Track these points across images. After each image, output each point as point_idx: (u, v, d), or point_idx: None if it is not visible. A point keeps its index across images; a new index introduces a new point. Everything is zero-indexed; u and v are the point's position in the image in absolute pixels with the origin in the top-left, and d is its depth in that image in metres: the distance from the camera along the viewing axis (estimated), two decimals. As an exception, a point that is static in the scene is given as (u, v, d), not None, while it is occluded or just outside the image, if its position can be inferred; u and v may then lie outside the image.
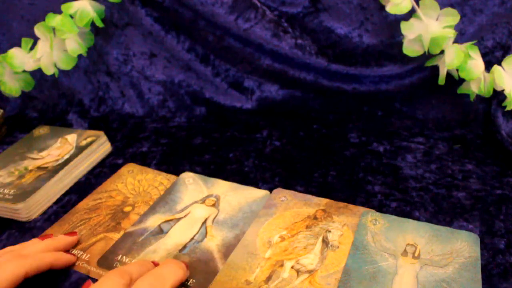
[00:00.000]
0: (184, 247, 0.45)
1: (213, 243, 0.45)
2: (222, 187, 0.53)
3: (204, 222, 0.48)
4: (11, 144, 0.64)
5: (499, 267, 0.41)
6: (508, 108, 0.57)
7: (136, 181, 0.54)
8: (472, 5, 0.61)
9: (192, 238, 0.46)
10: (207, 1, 0.65)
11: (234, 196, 0.52)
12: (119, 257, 0.43)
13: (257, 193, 0.52)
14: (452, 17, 0.56)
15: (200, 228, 0.47)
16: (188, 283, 0.40)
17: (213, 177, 0.55)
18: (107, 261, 0.43)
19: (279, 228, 0.46)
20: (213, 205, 0.50)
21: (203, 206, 0.50)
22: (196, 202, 0.51)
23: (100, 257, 0.44)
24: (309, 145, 0.62)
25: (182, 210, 0.50)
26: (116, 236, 0.46)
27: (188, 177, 0.55)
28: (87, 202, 0.52)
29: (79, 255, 0.44)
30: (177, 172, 0.56)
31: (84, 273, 0.42)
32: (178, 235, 0.46)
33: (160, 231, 0.47)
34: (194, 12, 0.67)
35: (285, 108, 0.71)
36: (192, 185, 0.54)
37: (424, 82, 0.65)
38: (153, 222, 0.48)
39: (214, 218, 0.48)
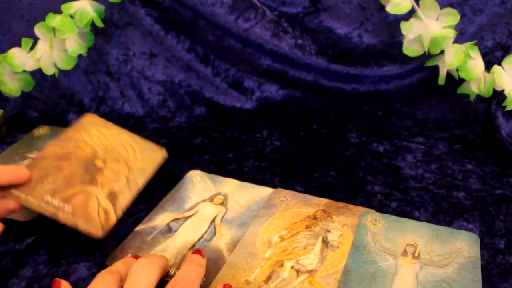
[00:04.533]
0: (193, 246, 0.45)
1: (222, 241, 0.45)
2: (229, 186, 0.53)
3: (213, 220, 0.48)
4: (11, 144, 0.64)
5: (499, 267, 0.41)
6: (508, 108, 0.57)
7: (101, 135, 0.51)
8: (472, 5, 0.61)
9: (201, 237, 0.46)
10: (207, 1, 0.65)
11: (242, 194, 0.52)
12: (129, 256, 0.43)
13: (264, 191, 0.52)
14: (452, 17, 0.56)
15: (209, 227, 0.47)
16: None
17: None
18: (117, 260, 0.43)
19: (279, 228, 0.46)
20: (221, 204, 0.50)
21: (211, 205, 0.50)
22: (204, 200, 0.51)
23: (110, 255, 0.44)
24: (309, 145, 0.62)
25: (191, 208, 0.50)
26: (95, 191, 0.44)
27: (195, 175, 0.55)
28: (54, 149, 0.48)
29: (59, 206, 0.42)
30: (177, 172, 0.56)
31: (71, 225, 0.42)
32: (187, 234, 0.46)
33: (169, 230, 0.47)
34: (194, 12, 0.67)
35: (285, 108, 0.71)
36: (199, 183, 0.54)
37: (424, 82, 0.65)
38: (161, 220, 0.48)
39: (223, 217, 0.48)
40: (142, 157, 0.50)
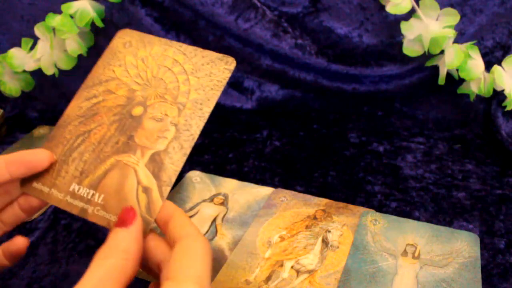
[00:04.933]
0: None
1: (223, 241, 0.45)
2: (229, 185, 0.53)
3: (214, 220, 0.48)
4: (11, 144, 0.64)
5: (499, 267, 0.41)
6: (508, 108, 0.57)
7: (139, 61, 0.36)
8: (472, 5, 0.61)
9: (203, 237, 0.45)
10: (207, 1, 0.65)
11: (242, 194, 0.52)
12: None
13: (264, 191, 0.52)
14: (452, 17, 0.56)
15: (210, 227, 0.47)
16: None
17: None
18: None
19: (279, 228, 0.46)
20: (222, 204, 0.50)
21: (211, 205, 0.50)
22: (204, 201, 0.51)
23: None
24: (309, 145, 0.62)
25: (191, 209, 0.50)
26: (132, 160, 0.32)
27: (195, 175, 0.55)
28: (79, 103, 0.36)
29: (89, 197, 0.31)
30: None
31: (103, 225, 0.30)
32: (189, 234, 0.46)
33: None
34: (194, 12, 0.67)
35: (285, 108, 0.71)
36: (199, 184, 0.54)
37: (424, 82, 0.65)
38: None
39: (224, 217, 0.48)
40: (199, 82, 0.35)
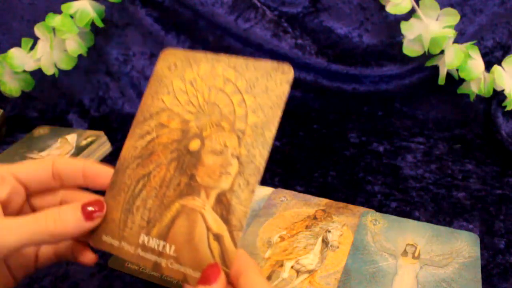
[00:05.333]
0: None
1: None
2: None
3: None
4: (11, 144, 0.64)
5: (499, 267, 0.41)
6: (508, 108, 0.57)
7: (187, 84, 0.32)
8: (472, 5, 0.61)
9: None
10: (207, 1, 0.65)
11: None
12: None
13: (264, 191, 0.52)
14: (452, 17, 0.56)
15: None
16: None
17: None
18: (118, 261, 0.43)
19: (279, 228, 0.46)
20: None
21: None
22: None
23: (111, 256, 0.32)
24: (309, 145, 0.62)
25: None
26: (198, 203, 0.29)
27: None
28: (133, 143, 0.33)
29: (160, 248, 0.29)
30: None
31: (178, 279, 0.28)
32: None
33: None
34: (194, 12, 0.67)
35: (285, 108, 0.71)
36: None
37: (424, 82, 0.65)
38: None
39: None
40: (256, 101, 0.31)
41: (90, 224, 0.30)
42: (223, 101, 0.31)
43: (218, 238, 0.28)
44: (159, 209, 0.30)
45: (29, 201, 0.32)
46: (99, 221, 0.30)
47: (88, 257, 0.32)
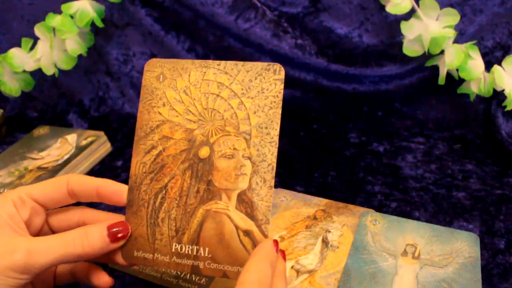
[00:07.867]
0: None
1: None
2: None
3: None
4: (11, 144, 0.64)
5: (499, 267, 0.41)
6: (508, 108, 0.57)
7: (182, 94, 0.33)
8: (472, 5, 0.61)
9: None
10: (207, 1, 0.65)
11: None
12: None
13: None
14: (452, 17, 0.56)
15: None
16: (201, 282, 0.40)
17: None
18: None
19: (279, 228, 0.46)
20: None
21: None
22: None
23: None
24: (309, 145, 0.62)
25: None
26: (221, 206, 0.31)
27: None
28: (140, 159, 0.33)
29: (195, 252, 0.31)
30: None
31: (220, 277, 0.31)
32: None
33: None
34: (194, 12, 0.67)
35: (285, 108, 0.70)
36: None
37: (424, 82, 0.65)
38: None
39: None
40: (254, 103, 0.32)
41: (114, 246, 0.31)
42: (222, 106, 0.32)
43: (248, 233, 0.30)
44: (184, 217, 0.31)
45: (47, 220, 0.33)
46: (123, 243, 0.31)
47: (103, 280, 0.33)
